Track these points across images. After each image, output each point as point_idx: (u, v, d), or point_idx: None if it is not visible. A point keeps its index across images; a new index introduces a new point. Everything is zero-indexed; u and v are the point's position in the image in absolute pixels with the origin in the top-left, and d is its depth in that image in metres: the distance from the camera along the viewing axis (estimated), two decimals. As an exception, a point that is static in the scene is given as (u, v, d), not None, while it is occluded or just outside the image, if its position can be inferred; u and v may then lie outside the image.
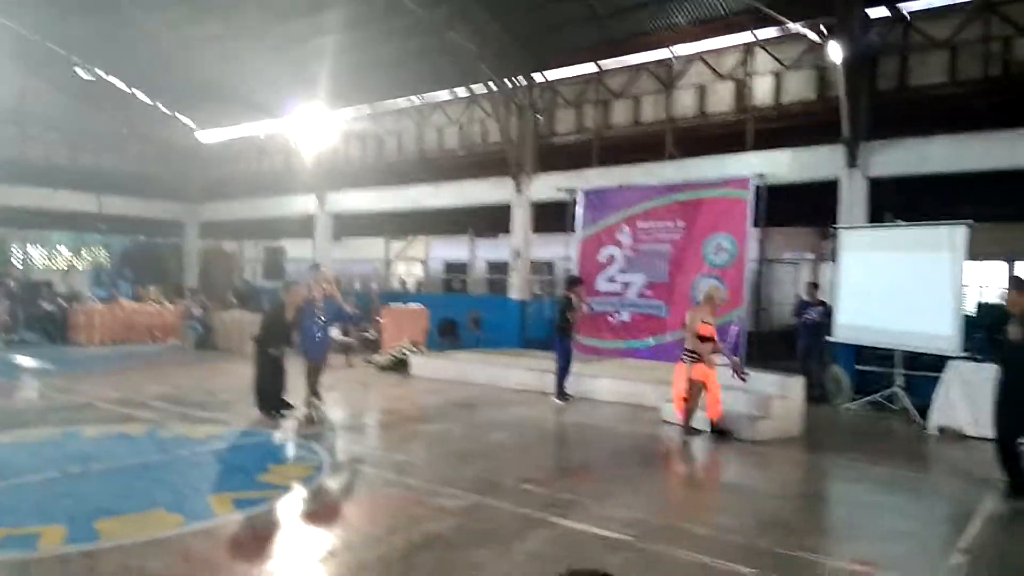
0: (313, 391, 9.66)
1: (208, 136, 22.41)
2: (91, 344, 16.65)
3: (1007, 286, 6.14)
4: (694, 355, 8.10)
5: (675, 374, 8.33)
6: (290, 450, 7.44)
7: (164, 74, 19.05)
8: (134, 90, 20.66)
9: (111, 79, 20.12)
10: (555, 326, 10.72)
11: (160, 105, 21.37)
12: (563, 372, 10.34)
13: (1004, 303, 6.10)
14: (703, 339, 8.10)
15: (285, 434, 8.10)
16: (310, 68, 15.91)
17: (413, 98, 17.74)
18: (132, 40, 17.29)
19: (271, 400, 8.91)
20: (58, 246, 24.97)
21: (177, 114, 21.83)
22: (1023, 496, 5.95)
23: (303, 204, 19.58)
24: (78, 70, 18.96)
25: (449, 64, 15.23)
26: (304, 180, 18.89)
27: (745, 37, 12.91)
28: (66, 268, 26.09)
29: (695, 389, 8.08)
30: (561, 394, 10.31)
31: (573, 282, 11.06)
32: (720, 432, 8.13)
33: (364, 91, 17.41)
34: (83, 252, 26.08)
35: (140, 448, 7.19)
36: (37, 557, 4.36)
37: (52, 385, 11.14)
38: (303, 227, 20.02)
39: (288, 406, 8.95)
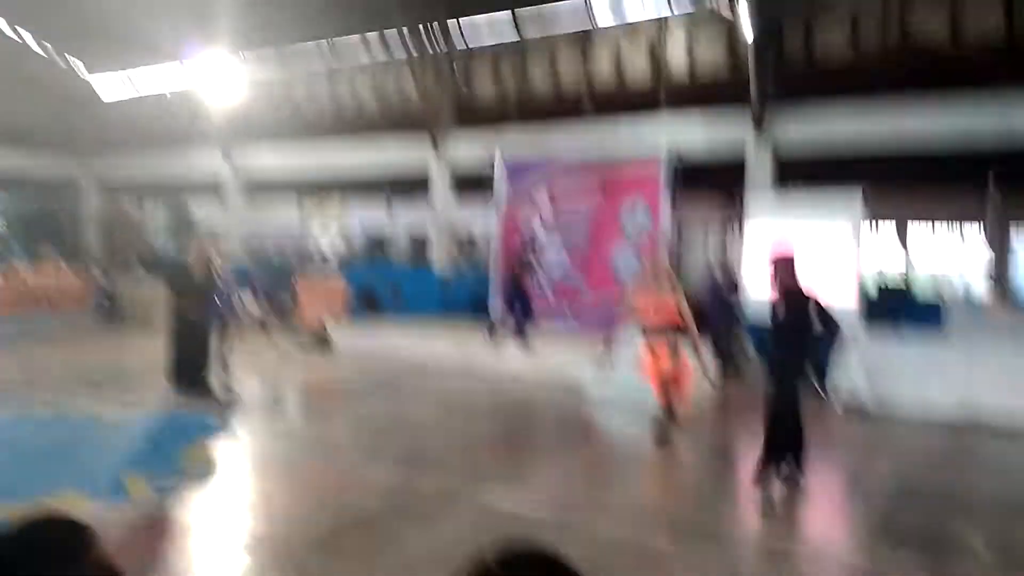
0: (225, 361, 9.38)
1: (107, 89, 20.95)
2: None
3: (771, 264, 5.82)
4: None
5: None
6: (209, 429, 7.26)
7: (49, 9, 17.45)
8: (15, 27, 18.94)
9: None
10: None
11: (47, 44, 19.62)
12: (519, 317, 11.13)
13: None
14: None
15: (202, 412, 7.88)
16: (209, 3, 14.76)
17: (323, 42, 16.85)
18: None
19: (189, 375, 8.52)
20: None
21: (68, 56, 20.16)
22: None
23: (209, 161, 18.69)
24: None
25: (359, 3, 14.65)
26: (210, 133, 17.93)
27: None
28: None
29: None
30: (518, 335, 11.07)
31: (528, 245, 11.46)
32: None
33: (269, 29, 16.19)
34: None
35: (47, 430, 6.88)
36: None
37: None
38: (211, 187, 19.15)
39: (206, 384, 8.57)
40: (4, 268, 17.29)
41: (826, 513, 5.68)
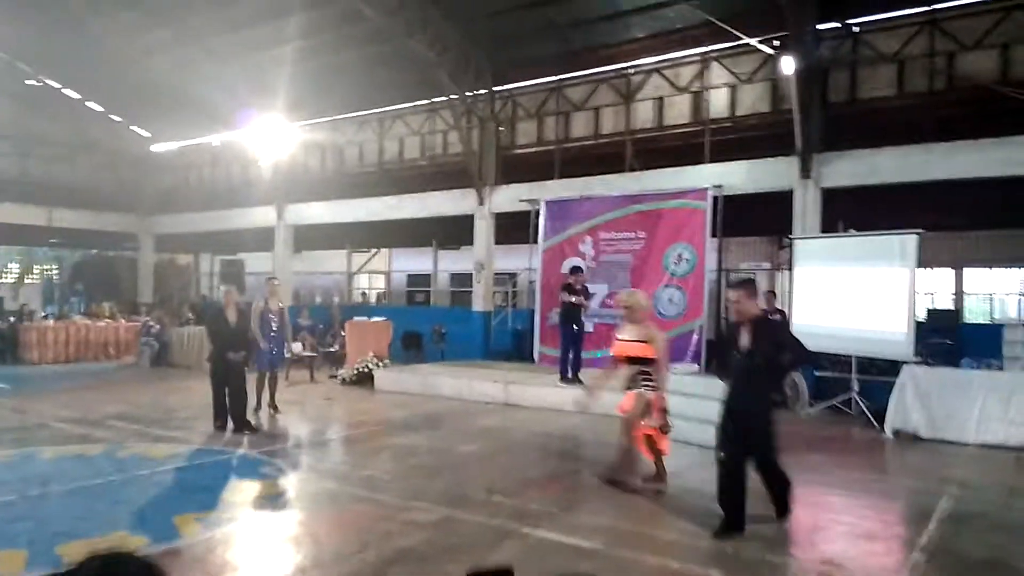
0: (270, 402, 9.80)
1: (162, 146, 21.98)
2: (43, 362, 16.19)
3: (733, 289, 5.46)
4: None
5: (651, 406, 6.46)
6: (255, 467, 7.32)
7: (116, 83, 18.67)
8: (86, 100, 20.22)
9: (61, 88, 19.68)
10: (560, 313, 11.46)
11: (113, 116, 20.94)
12: (564, 355, 11.06)
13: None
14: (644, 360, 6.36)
15: (248, 451, 7.98)
16: (267, 78, 15.79)
17: (373, 109, 17.68)
18: (82, 46, 16.87)
19: (232, 416, 8.76)
20: (7, 263, 24.21)
21: (132, 126, 21.41)
22: (732, 533, 5.17)
23: (262, 216, 19.33)
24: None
25: (409, 73, 15.24)
26: (262, 191, 18.66)
27: (701, 50, 13.20)
28: (15, 283, 25.32)
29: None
30: (564, 377, 10.97)
31: (573, 271, 11.36)
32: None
33: (323, 102, 17.29)
34: (33, 267, 25.34)
35: (99, 469, 7.01)
36: (-3, 584, 4.24)
37: (4, 405, 10.79)
38: (262, 240, 19.76)
39: (248, 424, 8.82)
40: (61, 317, 17.97)
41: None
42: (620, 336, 6.45)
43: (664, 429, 6.34)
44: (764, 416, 5.24)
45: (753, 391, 5.22)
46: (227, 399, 8.81)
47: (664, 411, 6.32)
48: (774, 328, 5.21)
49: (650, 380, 6.28)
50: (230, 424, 8.78)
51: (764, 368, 5.15)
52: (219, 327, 9.00)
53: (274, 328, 9.92)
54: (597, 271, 12.94)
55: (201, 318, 17.54)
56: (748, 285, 5.45)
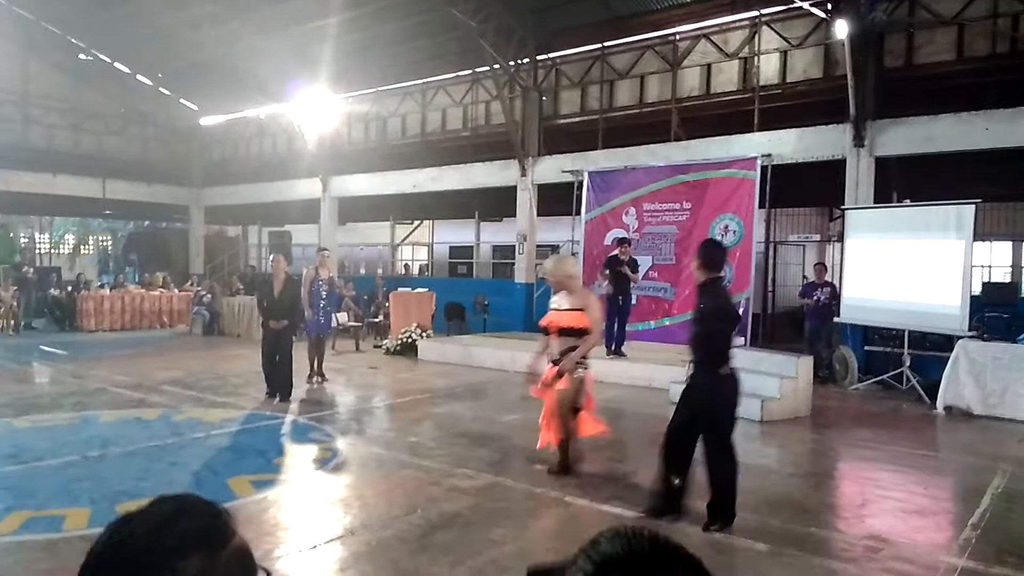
0: (317, 370, 10.03)
1: (210, 119, 22.35)
2: (99, 330, 16.76)
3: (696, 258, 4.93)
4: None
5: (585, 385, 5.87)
6: (304, 432, 7.51)
7: (165, 57, 19.00)
8: (136, 74, 20.62)
9: (112, 62, 20.11)
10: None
11: (162, 88, 21.33)
12: (609, 327, 10.76)
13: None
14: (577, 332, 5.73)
15: (298, 417, 8.18)
16: (311, 49, 15.88)
17: (415, 79, 17.69)
18: (132, 21, 17.18)
19: (277, 384, 8.98)
20: (64, 233, 24.95)
21: (181, 99, 21.80)
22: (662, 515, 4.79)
23: (307, 188, 19.55)
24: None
25: (451, 43, 15.18)
26: (308, 164, 18.85)
27: (751, 15, 12.83)
28: (72, 254, 26.17)
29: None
30: (609, 349, 10.87)
31: (620, 242, 11.29)
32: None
33: (366, 73, 17.34)
34: (88, 238, 26.11)
35: (155, 432, 7.27)
36: (64, 538, 4.44)
37: (64, 371, 11.24)
38: (308, 212, 20.04)
39: (290, 389, 9.02)
40: (116, 287, 18.53)
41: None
42: (552, 305, 5.89)
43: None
44: (705, 391, 4.78)
45: (697, 362, 4.87)
46: (274, 366, 9.02)
47: (560, 375, 5.68)
48: (714, 295, 4.80)
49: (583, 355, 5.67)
50: (276, 389, 9.00)
51: (703, 336, 4.79)
52: (264, 296, 9.25)
53: (324, 298, 10.11)
54: (641, 243, 12.80)
55: (250, 288, 17.97)
56: (704, 249, 4.97)
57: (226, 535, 1.07)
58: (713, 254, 4.89)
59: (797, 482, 6.05)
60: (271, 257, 9.81)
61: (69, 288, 18.19)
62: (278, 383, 8.99)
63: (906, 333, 9.90)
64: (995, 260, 16.13)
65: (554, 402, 5.72)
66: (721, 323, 4.76)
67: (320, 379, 10.19)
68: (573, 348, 5.65)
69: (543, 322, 5.94)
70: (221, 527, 1.07)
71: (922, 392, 9.32)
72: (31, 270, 18.30)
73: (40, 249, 25.41)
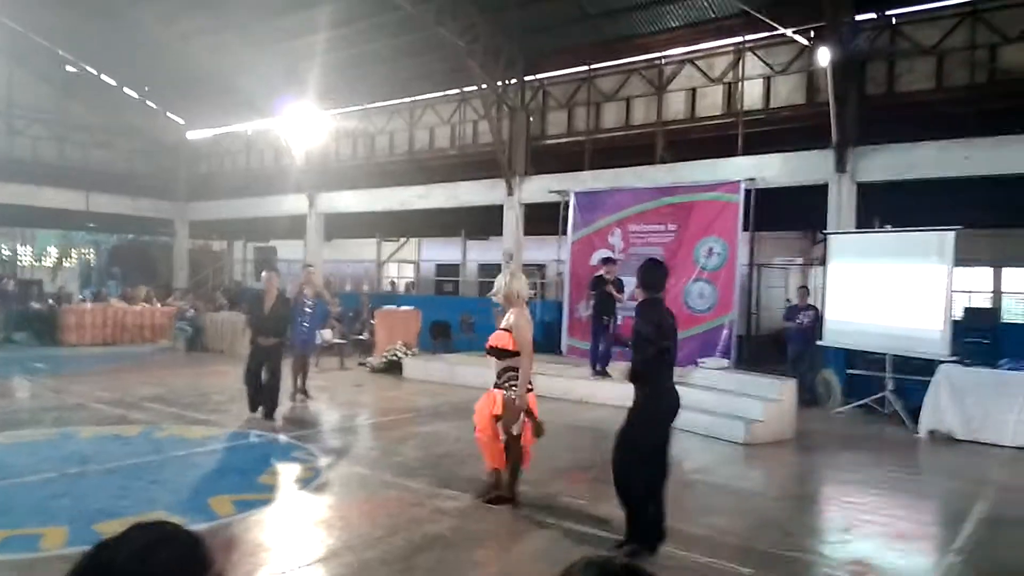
0: (301, 387, 9.93)
1: (196, 133, 22.29)
2: (81, 344, 16.54)
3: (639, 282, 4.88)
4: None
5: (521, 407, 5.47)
6: (287, 451, 7.44)
7: (153, 69, 18.97)
8: (123, 87, 20.56)
9: (99, 74, 20.03)
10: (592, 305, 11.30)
11: (149, 102, 21.26)
12: (595, 347, 11.11)
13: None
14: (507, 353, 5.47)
15: (280, 435, 8.10)
16: (300, 65, 15.95)
17: (404, 97, 17.74)
18: (120, 33, 17.14)
19: (263, 402, 8.86)
20: (47, 246, 24.65)
21: (168, 112, 21.73)
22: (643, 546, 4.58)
23: (294, 204, 19.51)
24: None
25: (440, 62, 15.26)
26: (295, 180, 18.80)
27: (735, 41, 13.03)
28: (54, 267, 25.86)
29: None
30: (594, 370, 11.03)
31: (606, 262, 11.36)
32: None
33: (355, 90, 17.39)
34: (71, 251, 25.83)
35: (136, 449, 7.18)
36: (41, 557, 4.37)
37: (44, 385, 11.08)
38: (294, 227, 19.96)
39: (274, 407, 8.91)
40: (99, 300, 18.34)
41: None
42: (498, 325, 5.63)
43: (537, 432, 5.50)
44: (635, 406, 4.70)
45: (637, 382, 4.72)
46: (259, 383, 8.90)
47: (530, 414, 5.41)
48: (648, 315, 4.66)
49: (515, 377, 5.40)
50: (260, 406, 8.88)
51: (638, 358, 4.65)
52: (253, 311, 9.19)
53: (308, 314, 10.08)
54: (627, 264, 12.84)
55: (234, 304, 17.86)
56: (641, 269, 4.88)
57: (205, 564, 1.06)
58: (650, 274, 4.79)
59: (782, 505, 6.07)
60: (263, 274, 9.75)
61: (50, 301, 17.97)
62: (264, 400, 8.86)
63: (888, 357, 9.98)
64: (976, 286, 16.33)
65: (495, 429, 5.48)
66: (655, 343, 4.64)
67: (304, 397, 10.11)
68: (509, 369, 5.41)
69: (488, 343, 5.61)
70: (199, 556, 1.07)
71: (905, 416, 9.38)
72: (12, 283, 18.08)
73: (22, 261, 25.10)
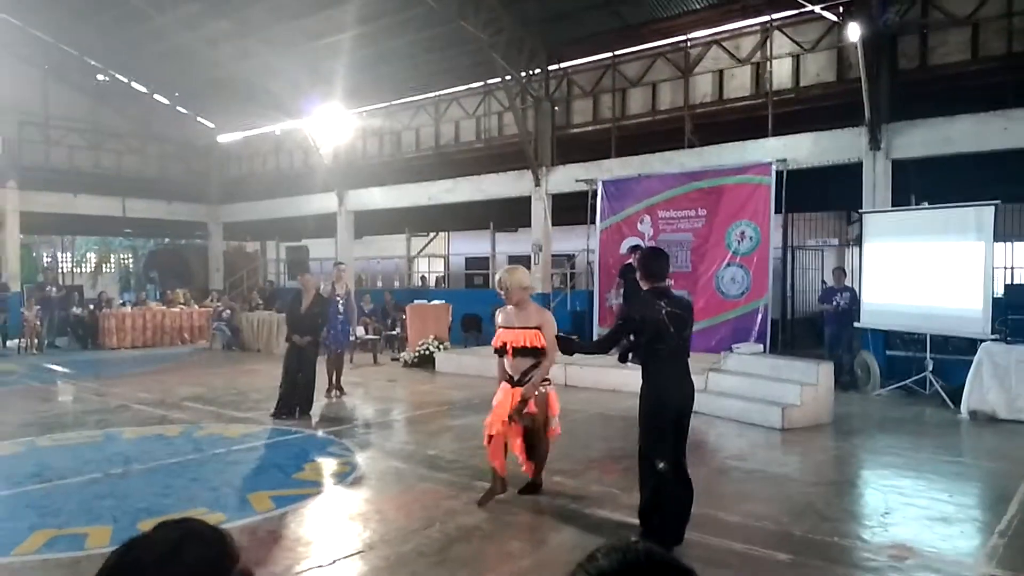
0: (336, 384, 10.06)
1: (226, 136, 22.62)
2: (121, 347, 16.96)
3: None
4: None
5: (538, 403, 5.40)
6: (323, 447, 7.54)
7: (182, 75, 19.28)
8: (153, 93, 20.93)
9: (130, 82, 20.42)
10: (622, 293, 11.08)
11: (180, 107, 21.62)
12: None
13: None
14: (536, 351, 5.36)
15: (316, 431, 8.22)
16: (325, 65, 16.08)
17: (428, 93, 17.81)
18: (148, 41, 17.45)
19: (298, 397, 8.96)
20: (86, 252, 25.21)
21: (198, 117, 22.08)
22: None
23: (323, 202, 19.70)
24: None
25: (463, 56, 15.26)
26: (323, 178, 19.01)
27: (762, 20, 12.79)
28: (93, 272, 26.49)
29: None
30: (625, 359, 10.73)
31: (634, 250, 11.28)
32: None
33: (379, 87, 17.48)
34: (110, 256, 26.40)
35: (177, 448, 7.34)
36: (87, 556, 4.49)
37: (86, 388, 11.37)
38: (324, 226, 20.18)
39: (310, 405, 9.02)
40: (138, 304, 18.76)
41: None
42: (504, 323, 5.44)
43: (524, 417, 5.35)
44: (642, 399, 4.65)
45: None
46: (295, 382, 9.03)
47: (524, 401, 5.31)
48: (637, 303, 4.67)
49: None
50: (293, 405, 8.97)
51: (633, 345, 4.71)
52: (290, 310, 9.34)
53: (341, 312, 10.20)
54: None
55: (269, 303, 18.12)
56: (639, 258, 4.92)
57: (231, 561, 1.08)
58: (651, 263, 4.68)
59: (819, 490, 5.98)
60: (300, 276, 9.91)
61: (91, 306, 18.42)
62: (299, 398, 8.98)
63: (928, 337, 9.78)
64: (1017, 261, 15.90)
65: (525, 431, 5.41)
66: (620, 333, 4.70)
67: (339, 393, 10.24)
68: (534, 367, 5.32)
69: (497, 341, 5.43)
70: (226, 553, 1.08)
71: (946, 397, 9.19)
72: (54, 289, 18.57)
73: (62, 268, 25.77)
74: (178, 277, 22.94)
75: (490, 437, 5.39)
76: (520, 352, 5.30)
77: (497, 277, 5.56)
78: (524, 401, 5.26)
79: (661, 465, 4.44)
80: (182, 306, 19.08)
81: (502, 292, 5.40)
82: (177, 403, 9.85)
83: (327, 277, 11.77)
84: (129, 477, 6.29)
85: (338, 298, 10.23)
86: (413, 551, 4.57)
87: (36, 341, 16.49)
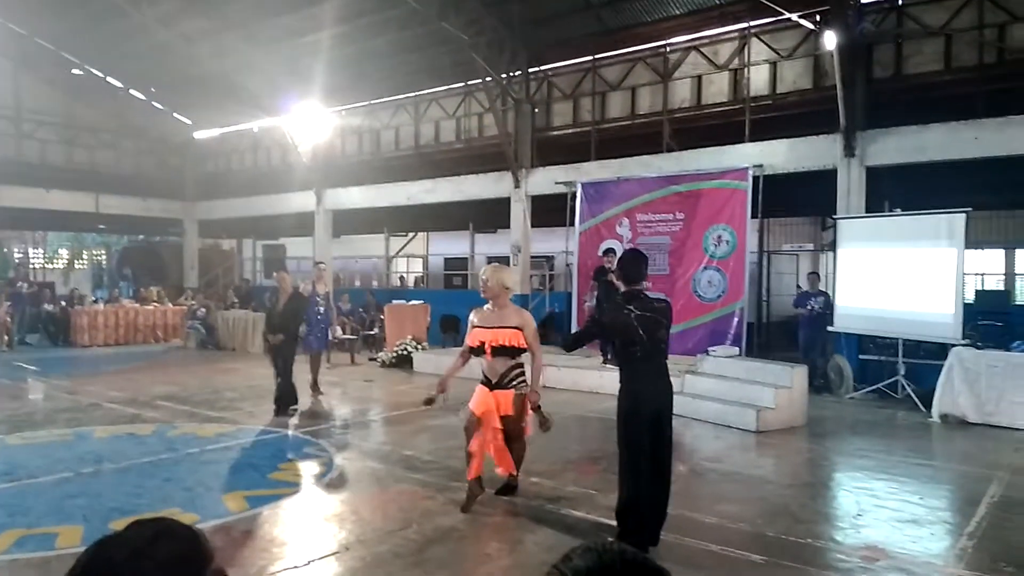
0: (312, 383, 10.00)
1: (203, 133, 22.37)
2: (93, 345, 16.70)
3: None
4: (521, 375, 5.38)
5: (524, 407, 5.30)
6: (299, 447, 7.49)
7: (158, 71, 18.99)
8: (129, 88, 20.64)
9: (105, 76, 20.12)
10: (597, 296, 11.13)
11: (156, 103, 21.34)
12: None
13: None
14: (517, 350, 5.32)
15: (292, 431, 8.16)
16: (304, 63, 15.95)
17: (409, 92, 17.76)
18: (125, 35, 17.16)
19: (275, 398, 8.96)
20: (58, 248, 24.78)
21: (174, 113, 21.81)
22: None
23: (301, 201, 19.55)
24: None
25: (444, 57, 15.24)
26: (301, 177, 18.86)
27: (741, 27, 12.93)
28: (66, 269, 26.06)
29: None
30: (605, 358, 10.91)
31: (607, 253, 11.33)
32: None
33: (359, 86, 17.40)
34: (82, 252, 26.00)
35: (150, 447, 7.24)
36: (57, 556, 4.41)
37: (58, 386, 11.19)
38: (302, 224, 20.01)
39: (286, 407, 8.99)
40: (111, 301, 18.49)
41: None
42: (482, 322, 5.37)
43: (546, 427, 5.24)
44: (619, 401, 4.65)
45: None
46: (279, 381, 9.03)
47: (538, 409, 5.25)
48: (607, 304, 4.84)
49: (523, 375, 5.34)
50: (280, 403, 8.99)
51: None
52: (267, 309, 9.31)
53: (320, 312, 10.13)
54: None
55: (245, 302, 17.96)
56: (622, 260, 4.85)
57: (204, 560, 1.07)
58: (628, 266, 4.69)
59: (793, 492, 6.06)
60: (275, 273, 9.88)
61: (63, 303, 18.13)
62: (280, 396, 8.96)
63: (900, 342, 9.93)
64: (988, 268, 16.21)
65: (505, 429, 5.34)
66: (588, 333, 4.92)
67: (315, 393, 10.16)
68: (516, 367, 5.30)
69: (475, 340, 5.33)
70: (199, 551, 1.08)
71: (917, 401, 9.34)
72: (25, 285, 18.25)
73: (34, 264, 25.32)
74: (152, 274, 22.63)
75: (469, 451, 5.32)
76: (499, 351, 5.25)
77: (481, 273, 5.52)
78: (539, 409, 5.21)
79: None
80: (156, 304, 18.83)
81: (483, 289, 5.35)
82: (150, 402, 9.73)
83: (305, 276, 11.70)
84: (101, 476, 6.20)
85: (318, 298, 10.16)
86: (389, 552, 4.55)
87: (7, 338, 16.19)
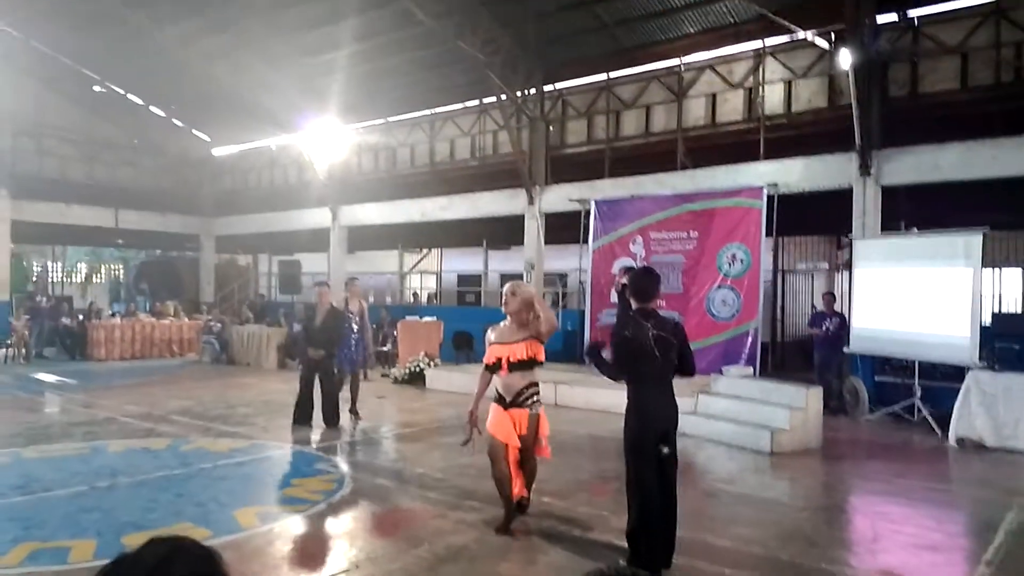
0: (350, 406, 9.80)
1: (221, 150, 22.64)
2: (110, 359, 16.83)
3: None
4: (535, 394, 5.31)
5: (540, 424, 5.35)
6: (311, 463, 7.50)
7: (178, 88, 19.30)
8: (149, 105, 20.96)
9: (125, 93, 20.44)
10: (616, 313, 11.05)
11: (175, 120, 21.65)
12: None
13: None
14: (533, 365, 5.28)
15: (305, 447, 8.17)
16: (321, 81, 16.16)
17: (424, 110, 17.91)
18: (145, 53, 17.45)
19: (323, 412, 9.04)
20: (77, 262, 25.06)
21: (193, 130, 22.11)
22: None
23: (317, 217, 19.72)
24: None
25: (459, 75, 15.39)
26: (318, 193, 19.05)
27: (755, 45, 12.96)
28: (84, 283, 26.35)
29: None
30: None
31: (626, 271, 11.25)
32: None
33: (375, 104, 17.59)
34: (100, 267, 26.28)
35: (164, 462, 7.28)
36: (69, 570, 4.44)
37: (74, 400, 11.28)
38: (317, 241, 20.17)
39: (336, 415, 9.10)
40: (128, 316, 18.65)
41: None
42: (499, 338, 5.28)
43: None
44: (626, 420, 4.65)
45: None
46: (309, 397, 9.12)
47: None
48: (620, 322, 4.73)
49: (538, 393, 5.28)
50: (312, 419, 9.11)
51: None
52: (306, 325, 9.40)
53: (355, 329, 9.71)
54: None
55: (260, 317, 18.06)
56: (633, 277, 4.87)
57: None
58: (640, 283, 4.72)
59: (807, 515, 5.99)
60: (316, 288, 9.87)
61: (81, 317, 18.31)
62: (325, 410, 9.03)
63: (916, 364, 9.83)
64: (1005, 289, 16.02)
65: (522, 448, 5.26)
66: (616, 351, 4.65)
67: (353, 416, 9.73)
68: (531, 385, 5.24)
69: (491, 357, 5.25)
70: (215, 571, 1.09)
71: (934, 424, 9.22)
72: (43, 299, 18.46)
73: (53, 278, 25.63)
74: (169, 289, 22.84)
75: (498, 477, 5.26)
76: (517, 366, 5.17)
77: (506, 287, 5.43)
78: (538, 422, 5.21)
79: (666, 450, 4.45)
80: (172, 318, 18.98)
81: (504, 303, 5.28)
82: (165, 416, 9.78)
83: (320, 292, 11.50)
84: (115, 491, 6.23)
85: (351, 314, 9.68)
86: (401, 570, 4.54)
87: (24, 351, 16.36)
